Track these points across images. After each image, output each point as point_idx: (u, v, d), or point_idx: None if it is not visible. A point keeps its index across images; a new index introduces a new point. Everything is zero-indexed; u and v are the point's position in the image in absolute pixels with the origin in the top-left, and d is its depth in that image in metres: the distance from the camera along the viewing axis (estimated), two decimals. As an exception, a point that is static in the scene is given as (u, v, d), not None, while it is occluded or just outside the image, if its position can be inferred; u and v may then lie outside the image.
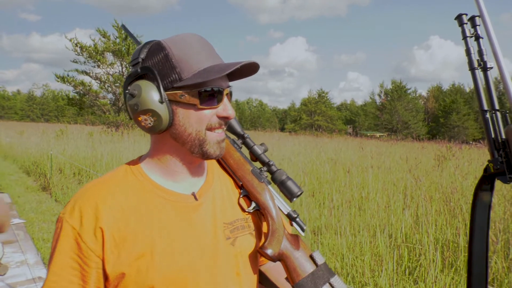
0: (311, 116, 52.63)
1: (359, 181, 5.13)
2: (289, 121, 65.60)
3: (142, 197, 0.77)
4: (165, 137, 0.79)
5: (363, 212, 4.19)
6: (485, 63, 0.82)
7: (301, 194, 0.89)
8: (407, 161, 6.49)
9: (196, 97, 0.74)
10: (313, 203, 4.73)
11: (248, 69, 0.80)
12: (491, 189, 0.82)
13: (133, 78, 0.77)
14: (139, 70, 0.76)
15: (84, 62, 21.94)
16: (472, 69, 0.82)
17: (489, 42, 0.78)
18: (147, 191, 0.77)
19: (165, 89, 0.75)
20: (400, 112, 44.03)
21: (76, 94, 22.93)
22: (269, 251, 0.80)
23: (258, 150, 0.92)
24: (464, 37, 0.83)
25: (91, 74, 22.11)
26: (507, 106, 0.79)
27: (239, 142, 0.93)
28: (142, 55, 0.78)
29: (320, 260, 0.84)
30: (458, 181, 6.11)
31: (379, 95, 51.34)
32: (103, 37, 21.85)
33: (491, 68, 0.81)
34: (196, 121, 0.75)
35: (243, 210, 0.86)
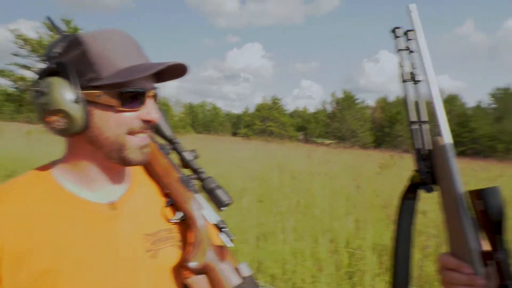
0: (264, 122, 53.22)
1: (306, 187, 5.23)
2: (242, 126, 65.85)
3: (48, 207, 0.69)
4: (80, 141, 0.72)
5: (308, 218, 4.26)
6: (415, 76, 0.83)
7: (230, 203, 0.85)
8: (352, 169, 6.73)
9: (116, 98, 0.68)
10: (260, 209, 4.73)
11: (176, 71, 0.75)
12: (416, 198, 0.84)
13: (45, 74, 0.69)
14: (52, 65, 0.69)
15: (27, 56, 20.60)
16: (403, 81, 0.84)
17: (421, 56, 0.79)
18: (55, 200, 0.70)
19: (82, 88, 0.68)
20: (349, 121, 45.88)
21: (15, 90, 21.42)
22: (192, 264, 0.76)
23: (188, 156, 0.87)
24: (398, 50, 0.84)
25: (33, 69, 20.78)
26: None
27: (168, 147, 0.87)
28: (58, 50, 0.70)
29: (246, 272, 0.80)
30: (398, 188, 6.43)
31: (331, 104, 53.17)
32: (50, 30, 20.66)
33: (421, 81, 0.83)
34: (115, 124, 0.69)
35: (168, 220, 0.81)
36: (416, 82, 0.83)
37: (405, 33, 0.84)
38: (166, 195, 0.83)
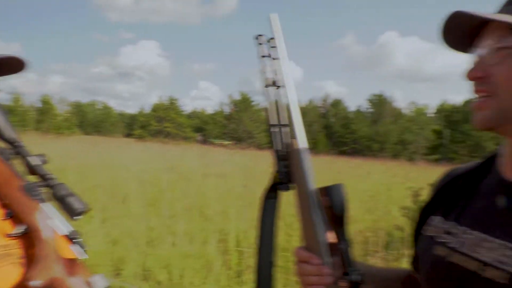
0: (161, 123, 51.65)
1: (199, 189, 5.21)
2: (137, 126, 62.92)
3: None
4: None
5: (201, 220, 4.25)
6: (276, 82, 0.87)
7: (84, 211, 0.78)
8: (245, 169, 6.93)
9: None
10: (150, 213, 4.56)
11: (12, 66, 0.66)
12: (277, 197, 0.89)
13: None
14: None
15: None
16: (265, 86, 0.87)
17: (281, 63, 0.83)
18: None
19: None
20: (246, 122, 47.29)
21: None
22: (35, 282, 0.67)
23: (35, 161, 0.77)
24: (260, 56, 0.87)
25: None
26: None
27: (9, 152, 0.76)
28: None
29: (100, 285, 0.75)
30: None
31: (228, 105, 54.11)
32: None
33: (282, 87, 0.87)
34: None
35: (6, 235, 0.71)
36: (277, 87, 0.87)
37: (268, 41, 0.87)
38: (5, 206, 0.72)
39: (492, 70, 0.63)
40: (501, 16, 0.62)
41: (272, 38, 0.86)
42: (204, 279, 2.89)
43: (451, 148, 39.52)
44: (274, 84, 0.86)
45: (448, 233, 0.73)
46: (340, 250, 0.70)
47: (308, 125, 53.09)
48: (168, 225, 3.86)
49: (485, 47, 0.64)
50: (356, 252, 3.98)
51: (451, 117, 41.77)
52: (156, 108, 53.56)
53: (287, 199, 0.89)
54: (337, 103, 58.72)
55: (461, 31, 0.68)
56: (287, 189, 0.83)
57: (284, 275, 2.85)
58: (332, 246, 0.72)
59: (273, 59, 0.86)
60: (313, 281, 0.73)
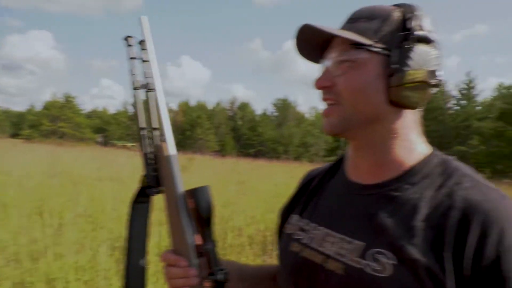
0: (55, 122, 46.94)
1: (93, 194, 4.85)
2: (26, 126, 56.33)
3: None
4: None
5: (94, 228, 3.97)
6: (147, 85, 0.85)
7: None
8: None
9: None
10: (36, 222, 4.10)
11: None
12: (148, 201, 0.87)
13: None
14: None
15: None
16: (134, 88, 0.84)
17: (150, 66, 0.82)
18: None
19: None
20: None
21: None
22: None
23: None
24: (129, 58, 0.85)
25: None
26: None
27: None
28: None
29: None
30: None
31: (132, 105, 51.50)
32: None
33: (153, 90, 0.86)
34: None
35: None
36: (148, 90, 0.85)
37: (139, 43, 0.85)
38: None
39: (336, 80, 0.69)
40: (343, 32, 0.67)
41: (142, 41, 0.84)
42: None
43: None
44: (144, 86, 0.85)
45: (302, 230, 0.79)
46: (206, 251, 0.72)
47: (215, 127, 53.24)
48: (54, 235, 3.51)
49: (331, 59, 0.71)
50: (255, 252, 4.11)
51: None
52: (49, 106, 48.51)
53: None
54: (244, 106, 60.08)
55: (313, 43, 0.74)
56: (156, 193, 0.82)
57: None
58: (198, 247, 0.72)
59: (143, 61, 0.85)
60: (180, 283, 0.73)
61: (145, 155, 0.82)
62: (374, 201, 0.70)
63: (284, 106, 59.41)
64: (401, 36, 0.66)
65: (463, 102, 36.99)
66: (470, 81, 36.57)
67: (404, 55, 0.65)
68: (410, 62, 0.65)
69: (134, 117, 0.86)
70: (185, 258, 0.74)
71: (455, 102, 38.19)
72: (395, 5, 0.71)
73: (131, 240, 0.85)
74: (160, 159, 0.80)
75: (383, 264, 0.62)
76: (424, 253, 0.60)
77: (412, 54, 0.65)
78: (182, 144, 47.93)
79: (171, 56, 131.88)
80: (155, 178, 0.80)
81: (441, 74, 0.68)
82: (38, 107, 54.61)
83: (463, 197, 0.62)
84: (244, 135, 51.77)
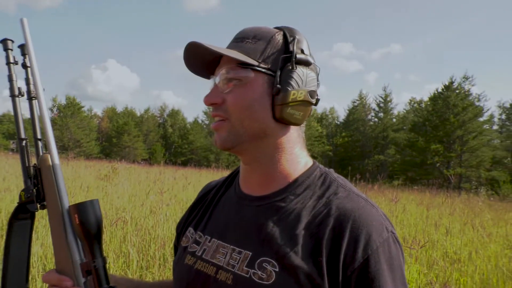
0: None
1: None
2: None
3: None
4: None
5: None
6: (29, 92, 0.80)
7: None
8: (70, 181, 6.19)
9: None
10: None
11: None
12: (30, 217, 0.80)
13: None
14: None
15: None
16: (12, 95, 0.78)
17: (34, 72, 0.76)
18: None
19: None
20: (73, 130, 42.43)
21: None
22: None
23: None
24: (8, 63, 0.79)
25: None
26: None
27: None
28: None
29: None
30: (112, 196, 6.43)
31: (51, 110, 47.63)
32: None
33: (35, 98, 0.80)
34: None
35: None
36: (31, 98, 0.80)
37: (19, 47, 0.80)
38: None
39: (225, 97, 0.72)
40: (230, 52, 0.70)
41: (23, 45, 0.79)
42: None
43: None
44: (25, 94, 0.79)
45: (197, 242, 0.80)
46: (95, 268, 0.68)
47: (144, 135, 51.38)
48: None
49: (220, 75, 0.73)
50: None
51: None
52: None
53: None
54: (175, 113, 58.86)
55: (202, 58, 0.75)
56: (35, 208, 0.76)
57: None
58: (85, 265, 0.69)
59: (25, 67, 0.79)
60: None
61: (26, 168, 0.77)
62: (262, 212, 0.73)
63: (216, 114, 59.17)
64: (284, 58, 0.70)
65: (381, 114, 40.08)
66: (387, 95, 39.79)
67: (287, 76, 0.69)
68: (292, 83, 0.69)
69: (15, 127, 0.80)
70: (70, 277, 0.70)
71: (373, 114, 41.27)
72: (277, 28, 0.75)
73: (9, 263, 0.78)
74: (44, 171, 0.75)
75: (268, 272, 0.65)
76: (304, 260, 0.64)
77: (294, 75, 0.69)
78: (108, 151, 45.44)
79: (96, 59, 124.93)
80: (37, 192, 0.75)
81: (318, 93, 0.74)
82: None
83: (337, 206, 0.67)
84: (175, 142, 50.67)
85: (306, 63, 0.72)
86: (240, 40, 0.73)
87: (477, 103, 28.65)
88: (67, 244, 0.70)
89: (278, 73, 0.70)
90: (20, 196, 0.77)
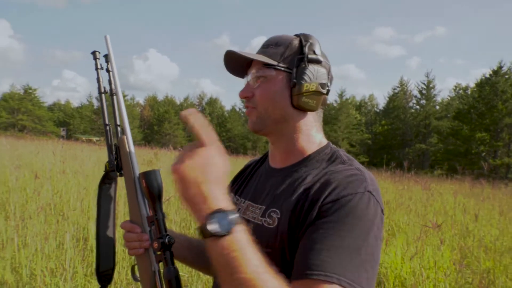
0: (14, 115, 44.92)
1: (57, 187, 4.87)
2: (-18, 118, 53.49)
3: None
4: None
5: (60, 220, 4.04)
6: (111, 90, 1.06)
7: None
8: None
9: None
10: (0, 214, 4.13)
11: None
12: (112, 182, 1.07)
13: None
14: None
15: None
16: (99, 93, 1.05)
17: (114, 76, 1.02)
18: None
19: None
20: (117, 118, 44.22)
21: None
22: None
23: None
24: (96, 68, 1.05)
25: None
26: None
27: None
28: None
29: None
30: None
31: (97, 98, 49.94)
32: None
33: (115, 94, 1.06)
34: None
35: None
36: (112, 95, 1.06)
37: (104, 56, 1.06)
38: None
39: (254, 91, 0.94)
40: (257, 56, 0.93)
41: (106, 55, 1.05)
42: (58, 278, 2.83)
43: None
44: (108, 91, 1.05)
45: (235, 204, 1.04)
46: (157, 221, 0.93)
47: (183, 123, 52.68)
48: (18, 226, 3.58)
49: (250, 75, 0.95)
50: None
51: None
52: (7, 98, 46.24)
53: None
54: (213, 102, 59.89)
55: (238, 63, 0.98)
56: (117, 175, 1.03)
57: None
58: (149, 218, 0.94)
59: (108, 71, 1.05)
60: (135, 245, 0.94)
61: (109, 146, 1.03)
62: (280, 179, 0.95)
63: (253, 102, 59.41)
64: (299, 58, 0.91)
65: (423, 101, 38.66)
66: (430, 82, 38.26)
67: (301, 72, 0.90)
68: (305, 77, 0.90)
69: (101, 115, 1.07)
70: (139, 226, 0.95)
71: (415, 101, 39.88)
72: (296, 35, 0.96)
73: (100, 216, 1.06)
74: (121, 148, 1.01)
75: (273, 219, 0.88)
76: (295, 205, 0.84)
77: (307, 71, 0.90)
78: (149, 139, 47.14)
79: (137, 49, 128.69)
80: (117, 163, 1.02)
81: (329, 85, 0.94)
82: (-4, 98, 51.83)
83: (332, 172, 0.87)
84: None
85: (317, 61, 0.91)
86: (266, 47, 0.95)
87: (528, 89, 26.98)
88: (138, 202, 0.96)
89: (294, 70, 0.90)
90: (105, 166, 1.03)
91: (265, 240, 0.85)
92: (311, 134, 0.96)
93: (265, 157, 1.11)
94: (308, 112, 0.95)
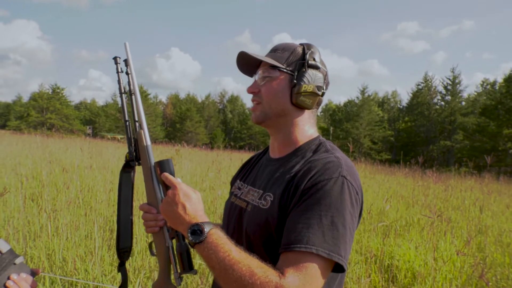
0: (43, 114, 46.67)
1: (85, 182, 5.16)
2: (13, 117, 55.79)
3: None
4: None
5: (88, 212, 4.32)
6: (130, 90, 1.23)
7: None
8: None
9: None
10: (31, 207, 4.44)
11: None
12: (131, 171, 1.24)
13: None
14: None
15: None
16: (120, 93, 1.22)
17: (133, 78, 1.19)
18: None
19: None
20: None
21: None
22: None
23: None
24: (117, 72, 1.22)
25: None
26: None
27: None
28: None
29: (4, 248, 1.01)
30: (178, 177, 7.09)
31: (120, 105, 50.89)
32: None
33: (133, 94, 1.23)
34: None
35: None
36: (131, 94, 1.23)
37: (124, 61, 1.23)
38: None
39: (260, 88, 1.10)
40: (266, 58, 1.09)
41: (126, 59, 1.22)
42: (87, 263, 3.07)
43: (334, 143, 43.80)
44: (127, 92, 1.22)
45: (239, 188, 1.20)
46: None
47: (205, 120, 53.45)
48: (50, 217, 3.86)
49: (258, 74, 1.11)
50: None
51: (334, 115, 46.40)
52: (36, 97, 48.00)
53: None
54: (234, 99, 60.28)
55: (248, 63, 1.14)
56: (135, 164, 1.20)
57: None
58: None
59: (127, 74, 1.22)
60: (152, 224, 1.11)
61: (129, 139, 1.20)
62: (276, 167, 1.11)
63: (273, 100, 59.37)
64: (300, 63, 1.07)
65: (448, 97, 37.74)
66: (455, 77, 37.30)
67: (301, 75, 1.07)
68: (304, 80, 1.06)
69: (121, 112, 1.24)
70: (155, 207, 1.12)
71: (440, 98, 38.97)
72: (300, 44, 1.12)
73: (121, 200, 1.23)
74: (139, 141, 1.18)
75: (267, 201, 1.03)
76: (283, 190, 1.00)
77: (306, 75, 1.06)
78: (172, 136, 47.92)
79: (160, 48, 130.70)
80: (136, 154, 1.19)
81: (324, 88, 1.09)
82: (26, 98, 53.94)
83: (314, 159, 1.01)
84: (234, 128, 52.12)
85: (316, 67, 1.07)
86: (273, 51, 1.11)
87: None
88: (153, 186, 1.12)
89: (296, 73, 1.06)
90: (125, 156, 1.21)
91: (259, 218, 1.02)
92: (305, 129, 1.12)
93: (266, 149, 1.27)
94: (305, 110, 1.10)
